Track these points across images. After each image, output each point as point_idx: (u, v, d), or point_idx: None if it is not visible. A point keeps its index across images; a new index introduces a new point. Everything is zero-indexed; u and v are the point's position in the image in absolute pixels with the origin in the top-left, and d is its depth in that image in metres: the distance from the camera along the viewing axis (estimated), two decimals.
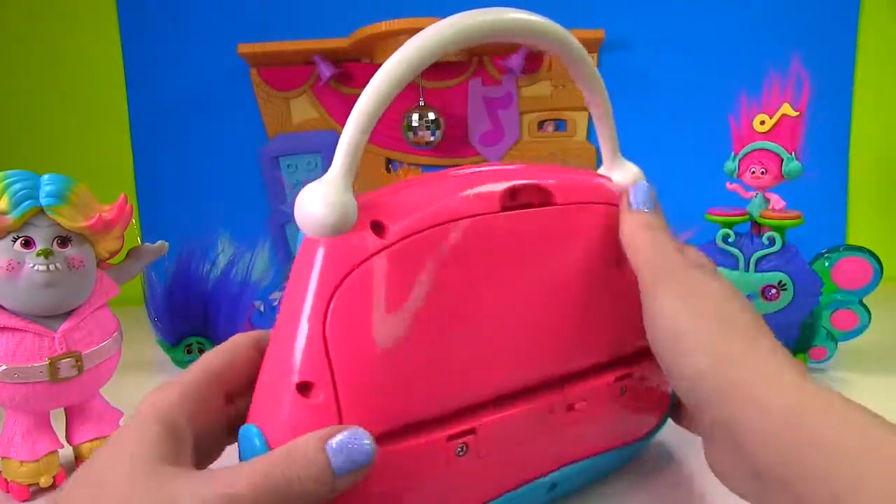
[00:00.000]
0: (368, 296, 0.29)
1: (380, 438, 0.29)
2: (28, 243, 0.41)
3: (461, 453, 0.32)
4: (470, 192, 0.33)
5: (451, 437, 0.31)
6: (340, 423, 0.28)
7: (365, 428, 0.28)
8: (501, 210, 0.33)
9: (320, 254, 0.29)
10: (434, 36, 0.30)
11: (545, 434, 0.35)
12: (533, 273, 0.34)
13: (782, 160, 0.56)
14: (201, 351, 0.65)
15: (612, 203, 0.37)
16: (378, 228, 0.30)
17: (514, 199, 0.34)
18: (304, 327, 0.29)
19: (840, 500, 0.21)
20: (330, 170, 0.30)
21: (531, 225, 0.34)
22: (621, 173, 0.39)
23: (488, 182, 0.34)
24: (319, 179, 0.30)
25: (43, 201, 0.41)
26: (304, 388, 0.28)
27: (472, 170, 0.35)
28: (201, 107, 1.02)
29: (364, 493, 0.28)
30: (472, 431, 0.32)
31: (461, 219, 0.32)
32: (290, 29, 0.97)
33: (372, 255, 0.29)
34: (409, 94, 0.98)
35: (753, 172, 0.58)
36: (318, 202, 0.29)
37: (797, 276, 0.57)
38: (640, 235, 0.34)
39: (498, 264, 0.33)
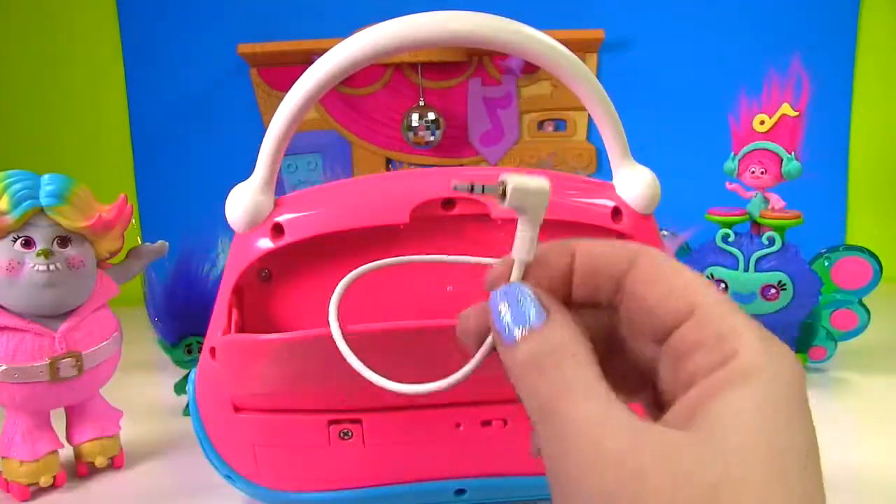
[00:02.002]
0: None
1: (266, 411, 0.35)
2: (28, 243, 0.41)
3: (346, 437, 0.36)
4: (383, 200, 0.34)
5: (332, 422, 0.36)
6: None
7: (249, 399, 0.35)
8: (410, 221, 0.34)
9: (231, 246, 0.35)
10: (359, 43, 0.31)
11: (453, 442, 0.37)
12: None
13: (782, 160, 0.56)
14: (201, 351, 0.64)
15: (568, 221, 0.35)
16: (277, 230, 0.34)
17: (447, 209, 0.35)
18: (220, 304, 0.35)
19: None
20: (252, 175, 0.35)
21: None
22: (629, 178, 0.37)
23: (412, 190, 0.34)
24: (244, 182, 0.35)
25: (43, 201, 0.41)
26: (211, 352, 0.35)
27: (408, 175, 0.36)
28: (201, 107, 1.02)
29: (250, 444, 0.36)
30: (357, 421, 0.36)
31: (363, 228, 0.34)
32: (290, 29, 0.97)
33: (264, 255, 0.34)
34: (409, 94, 0.98)
35: (753, 172, 0.58)
36: (234, 202, 0.34)
37: (797, 276, 0.57)
38: (528, 385, 0.20)
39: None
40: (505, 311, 0.20)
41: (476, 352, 0.22)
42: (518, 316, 0.20)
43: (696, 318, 0.19)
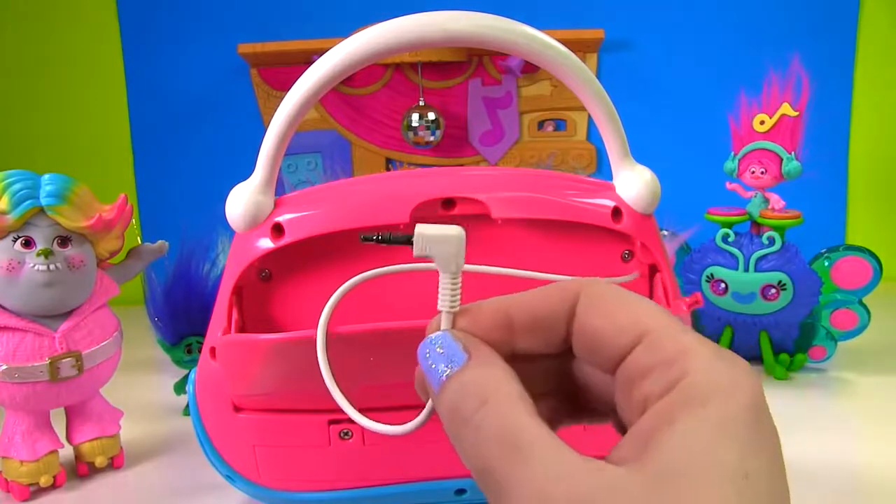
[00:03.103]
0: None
1: (266, 411, 0.35)
2: (28, 243, 0.41)
3: (346, 437, 0.36)
4: (383, 200, 0.34)
5: (332, 422, 0.36)
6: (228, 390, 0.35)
7: (249, 399, 0.35)
8: (410, 221, 0.34)
9: (232, 246, 0.35)
10: (362, 40, 0.31)
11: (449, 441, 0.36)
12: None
13: (782, 160, 0.56)
14: (201, 351, 0.64)
15: (568, 221, 0.35)
16: (277, 230, 0.34)
17: (447, 209, 0.35)
18: (220, 304, 0.35)
19: None
20: (252, 175, 0.35)
21: None
22: (629, 178, 0.36)
23: (412, 190, 0.34)
24: (244, 182, 0.35)
25: (43, 201, 0.41)
26: (211, 352, 0.36)
27: (408, 175, 0.36)
28: (201, 107, 1.02)
29: (250, 444, 0.36)
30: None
31: (363, 228, 0.34)
32: (290, 29, 0.97)
33: (264, 255, 0.34)
34: (409, 94, 0.99)
35: (753, 172, 0.58)
36: (234, 202, 0.34)
37: (797, 276, 0.57)
38: (459, 440, 0.19)
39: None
40: (429, 359, 0.20)
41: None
42: (440, 361, 0.20)
43: (644, 344, 0.19)
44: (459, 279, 0.21)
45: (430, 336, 0.21)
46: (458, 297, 0.21)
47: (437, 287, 0.21)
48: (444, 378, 0.19)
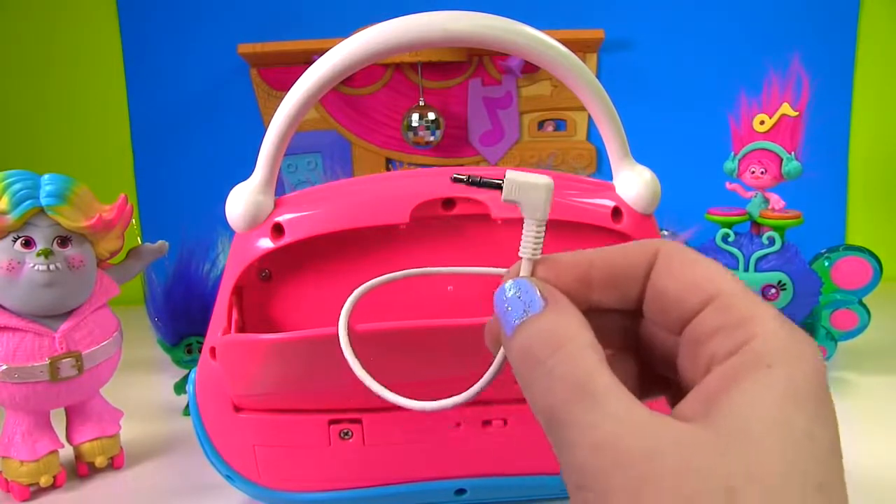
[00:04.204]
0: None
1: (266, 411, 0.36)
2: (28, 243, 0.41)
3: (346, 437, 0.36)
4: (383, 200, 0.34)
5: (333, 422, 0.36)
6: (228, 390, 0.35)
7: (249, 399, 0.35)
8: (410, 221, 0.34)
9: (232, 246, 0.35)
10: (362, 40, 0.31)
11: (453, 442, 0.37)
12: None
13: (782, 160, 0.56)
14: (201, 351, 0.64)
15: (568, 221, 0.35)
16: (277, 230, 0.34)
17: (447, 209, 0.35)
18: (220, 304, 0.36)
19: None
20: (252, 175, 0.35)
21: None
22: (629, 178, 0.36)
23: (412, 190, 0.34)
24: (244, 182, 0.35)
25: (43, 201, 0.41)
26: (211, 352, 0.36)
27: (408, 176, 0.36)
28: (201, 107, 1.02)
29: (250, 444, 0.36)
30: (357, 421, 0.36)
31: (363, 228, 0.34)
32: (290, 29, 0.97)
33: (264, 255, 0.34)
34: (409, 94, 0.99)
35: (753, 172, 0.58)
36: (234, 202, 0.34)
37: (797, 276, 0.57)
38: (527, 381, 0.19)
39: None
40: (506, 302, 0.20)
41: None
42: (517, 306, 0.20)
43: (715, 304, 0.19)
44: (544, 228, 0.21)
45: (508, 281, 0.21)
46: (541, 245, 0.21)
47: (519, 237, 0.21)
48: (517, 322, 0.20)
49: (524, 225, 0.21)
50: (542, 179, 0.21)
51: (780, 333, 0.18)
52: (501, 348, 0.22)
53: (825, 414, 0.16)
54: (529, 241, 0.21)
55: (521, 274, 0.21)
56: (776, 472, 0.15)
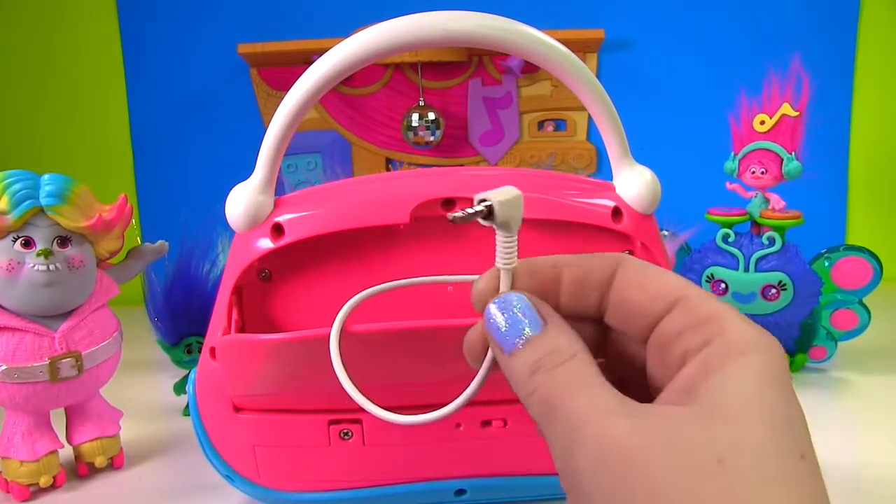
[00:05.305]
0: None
1: (266, 411, 0.36)
2: (28, 243, 0.41)
3: (346, 437, 0.36)
4: (383, 200, 0.34)
5: (332, 422, 0.36)
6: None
7: (249, 399, 0.35)
8: (410, 221, 0.34)
9: (232, 246, 0.35)
10: (360, 41, 0.31)
11: (453, 442, 0.37)
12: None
13: (782, 160, 0.56)
14: (201, 351, 0.64)
15: (568, 221, 0.35)
16: (277, 230, 0.34)
17: (447, 209, 0.35)
18: (220, 304, 0.36)
19: None
20: (252, 175, 0.35)
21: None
22: (629, 178, 0.36)
23: (412, 190, 0.34)
24: (244, 182, 0.35)
25: (43, 201, 0.41)
26: (211, 352, 0.36)
27: (408, 176, 0.36)
28: (201, 107, 1.02)
29: (250, 444, 0.36)
30: (357, 421, 0.36)
31: (363, 228, 0.34)
32: (290, 29, 0.97)
33: (264, 255, 0.34)
34: (409, 94, 0.99)
35: (753, 172, 0.58)
36: (234, 202, 0.34)
37: (797, 276, 0.57)
38: (529, 389, 0.20)
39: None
40: (501, 321, 0.20)
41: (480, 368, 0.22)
42: (515, 325, 0.20)
43: (680, 307, 0.20)
44: (516, 237, 0.21)
45: (500, 298, 0.21)
46: (515, 251, 0.21)
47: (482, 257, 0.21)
48: (521, 341, 0.20)
49: (500, 236, 0.21)
50: (515, 191, 0.21)
51: (745, 328, 0.19)
52: (486, 361, 0.22)
53: (794, 397, 0.18)
54: (510, 251, 0.21)
55: (503, 288, 0.21)
56: (763, 441, 0.16)
